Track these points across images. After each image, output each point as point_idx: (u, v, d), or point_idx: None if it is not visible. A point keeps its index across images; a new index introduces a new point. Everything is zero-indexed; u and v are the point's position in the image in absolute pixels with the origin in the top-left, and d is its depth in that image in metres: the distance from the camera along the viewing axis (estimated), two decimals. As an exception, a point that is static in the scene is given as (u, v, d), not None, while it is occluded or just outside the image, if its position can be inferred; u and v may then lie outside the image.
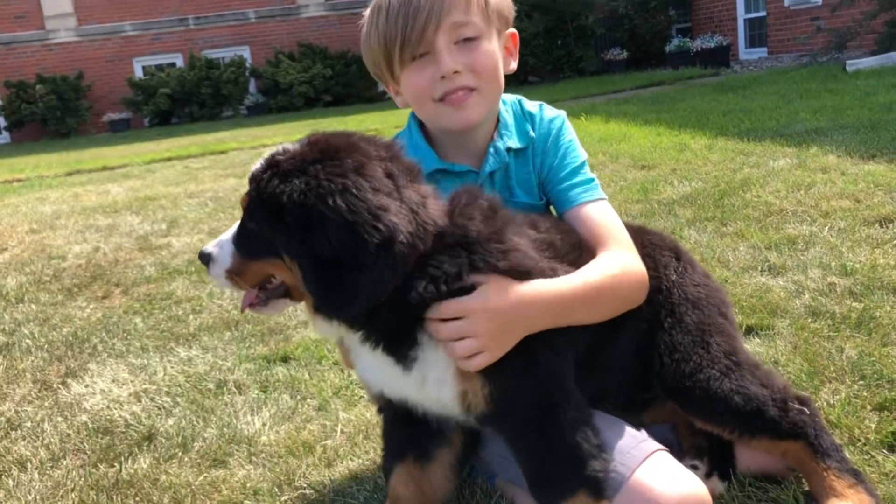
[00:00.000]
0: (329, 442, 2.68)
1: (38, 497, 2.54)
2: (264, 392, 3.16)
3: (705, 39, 17.77)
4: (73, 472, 2.66)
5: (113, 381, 3.46)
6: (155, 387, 3.33)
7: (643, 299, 2.06)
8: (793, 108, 8.69)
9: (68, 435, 2.97)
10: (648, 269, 2.16)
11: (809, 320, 3.14)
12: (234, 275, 1.80)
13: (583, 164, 2.26)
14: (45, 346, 3.98)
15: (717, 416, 2.03)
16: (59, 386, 3.48)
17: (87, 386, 3.43)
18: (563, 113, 2.34)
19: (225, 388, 3.23)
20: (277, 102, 23.25)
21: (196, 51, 23.61)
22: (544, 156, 2.27)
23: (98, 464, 2.72)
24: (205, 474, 2.57)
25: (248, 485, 2.46)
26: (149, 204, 8.08)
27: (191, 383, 3.32)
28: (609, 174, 6.60)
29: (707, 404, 2.03)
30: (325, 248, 1.59)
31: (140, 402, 3.21)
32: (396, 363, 1.81)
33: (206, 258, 1.84)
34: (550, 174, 2.26)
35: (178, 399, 3.18)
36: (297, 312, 3.97)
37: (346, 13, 24.67)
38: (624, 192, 5.84)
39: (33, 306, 4.71)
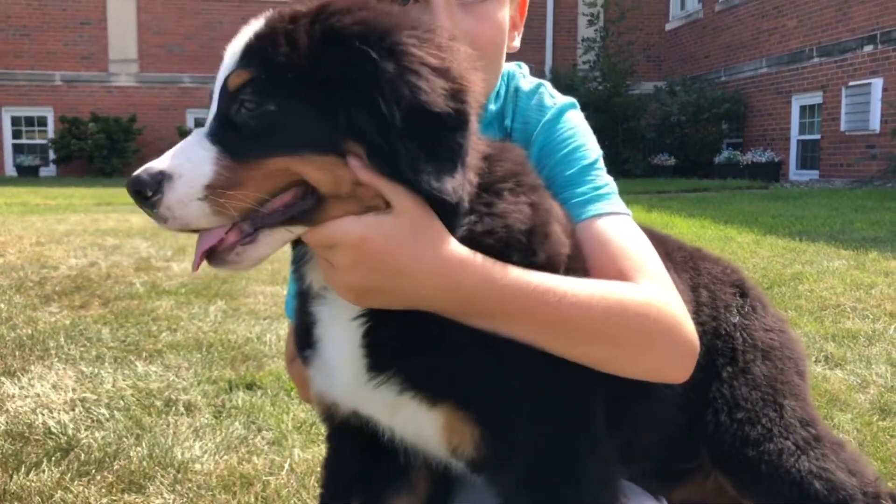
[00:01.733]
0: (272, 480, 2.17)
1: None
2: (216, 418, 2.67)
3: (756, 154, 17.43)
4: (-42, 474, 2.19)
5: (53, 386, 3.00)
6: (95, 397, 2.86)
7: (679, 368, 1.40)
8: (847, 219, 8.18)
9: (-26, 434, 2.50)
10: (703, 304, 1.64)
11: (877, 417, 2.59)
12: (223, 190, 1.11)
13: (589, 167, 1.54)
14: (-5, 344, 3.55)
15: (784, 502, 1.51)
16: (-9, 384, 3.03)
17: (21, 387, 2.97)
18: (569, 100, 1.68)
19: (173, 408, 2.75)
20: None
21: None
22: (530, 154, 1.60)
23: (-9, 469, 2.24)
24: (113, 497, 2.08)
25: (158, 515, 1.96)
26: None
27: (136, 398, 2.84)
28: (647, 256, 6.11)
29: (774, 484, 1.51)
30: (432, 98, 1.11)
31: (73, 410, 2.74)
32: (370, 360, 1.25)
33: (148, 179, 1.11)
34: (546, 178, 1.55)
35: (116, 413, 2.70)
36: (282, 333, 3.50)
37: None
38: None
39: (2, 305, 4.30)
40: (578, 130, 1.60)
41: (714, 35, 20.87)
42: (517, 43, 1.65)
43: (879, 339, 3.52)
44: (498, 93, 1.65)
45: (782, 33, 17.92)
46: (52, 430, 2.55)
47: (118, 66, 23.12)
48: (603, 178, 1.54)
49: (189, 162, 1.12)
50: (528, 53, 22.85)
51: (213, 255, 1.16)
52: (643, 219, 7.49)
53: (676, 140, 20.91)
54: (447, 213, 1.19)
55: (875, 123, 14.90)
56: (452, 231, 1.21)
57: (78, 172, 21.77)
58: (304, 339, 1.37)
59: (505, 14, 1.56)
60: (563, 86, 20.78)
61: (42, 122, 22.30)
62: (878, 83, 14.86)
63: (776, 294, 4.48)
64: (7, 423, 2.60)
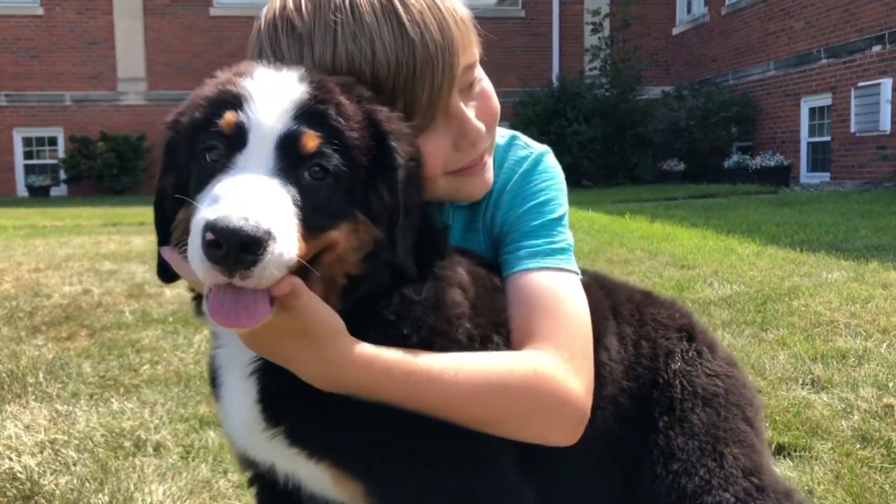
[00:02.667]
0: (230, 527, 2.13)
1: None
2: (184, 458, 2.63)
3: (765, 157, 17.25)
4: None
5: (26, 426, 2.97)
6: (65, 438, 2.83)
7: (566, 434, 1.44)
8: (852, 226, 8.07)
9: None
10: (643, 356, 1.64)
11: (858, 446, 2.53)
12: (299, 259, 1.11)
13: (554, 222, 1.61)
14: (-24, 381, 3.53)
15: None
16: (-35, 425, 3.01)
17: (-7, 428, 2.95)
18: (543, 148, 1.74)
19: (142, 449, 2.72)
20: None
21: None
22: (497, 209, 1.66)
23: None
24: (66, 550, 2.04)
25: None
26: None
27: (106, 440, 2.81)
28: (644, 270, 6.04)
29: None
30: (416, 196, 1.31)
31: (41, 453, 2.72)
32: (263, 412, 1.31)
33: (262, 236, 1.01)
34: (503, 231, 1.64)
35: (84, 455, 2.67)
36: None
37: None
38: (656, 288, 5.26)
39: (-12, 339, 4.30)
40: (552, 183, 1.68)
41: (721, 38, 20.72)
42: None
43: (869, 358, 3.44)
44: None
45: (790, 35, 17.76)
46: (17, 475, 2.52)
47: (127, 84, 23.29)
48: (562, 235, 1.62)
49: (286, 225, 1.07)
50: (535, 61, 22.81)
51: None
52: (645, 229, 7.43)
53: (685, 145, 20.76)
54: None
55: (886, 124, 14.73)
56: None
57: (88, 192, 21.92)
58: (212, 379, 1.44)
59: (486, 80, 1.60)
60: (570, 93, 20.81)
61: (53, 142, 22.51)
62: (887, 83, 14.69)
63: (769, 311, 4.40)
64: (-28, 468, 2.57)
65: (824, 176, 16.94)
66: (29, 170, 22.22)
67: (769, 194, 14.44)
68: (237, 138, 1.14)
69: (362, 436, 1.30)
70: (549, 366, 1.41)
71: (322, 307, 1.22)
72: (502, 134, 1.73)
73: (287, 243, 1.05)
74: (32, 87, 22.13)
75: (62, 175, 22.05)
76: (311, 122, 1.15)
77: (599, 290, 1.72)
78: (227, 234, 0.98)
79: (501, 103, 1.63)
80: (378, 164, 1.23)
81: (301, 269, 1.15)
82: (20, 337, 4.35)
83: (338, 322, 1.25)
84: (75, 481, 2.46)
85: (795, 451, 2.52)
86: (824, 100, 16.65)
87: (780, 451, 2.53)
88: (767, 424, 2.73)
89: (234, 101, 1.17)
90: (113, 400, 3.24)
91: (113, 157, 21.56)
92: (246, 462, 1.48)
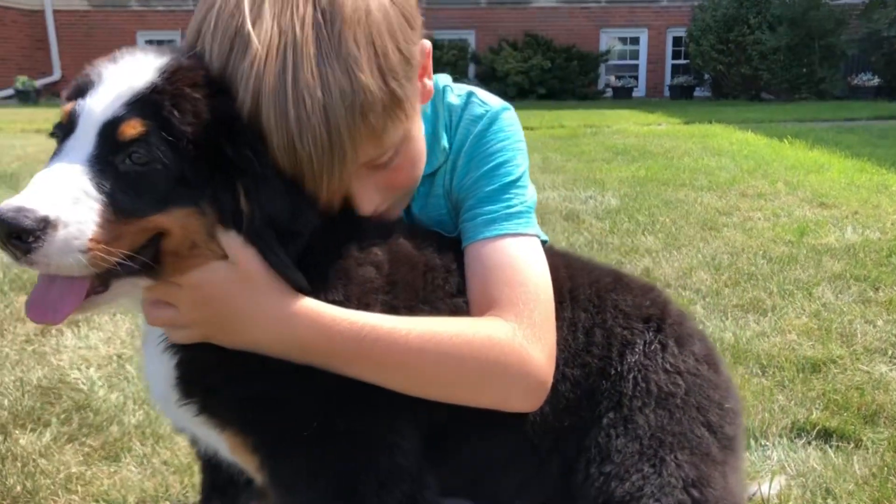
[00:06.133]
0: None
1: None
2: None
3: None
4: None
5: (107, 339, 3.25)
6: (131, 353, 3.06)
7: (524, 401, 1.43)
8: None
9: None
10: (594, 343, 1.54)
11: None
12: (102, 244, 1.12)
13: (510, 185, 1.55)
14: None
15: None
16: None
17: (78, 338, 3.24)
18: (501, 104, 1.63)
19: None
20: (491, 89, 22.93)
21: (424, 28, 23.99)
22: (454, 172, 1.59)
23: None
24: (87, 466, 2.23)
25: None
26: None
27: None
28: (776, 206, 5.57)
29: None
30: (277, 206, 1.24)
31: (108, 366, 2.96)
32: (176, 384, 1.36)
33: (31, 224, 1.06)
34: (460, 196, 1.58)
35: (139, 373, 2.89)
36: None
37: (577, 6, 23.95)
38: (775, 230, 4.85)
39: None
40: (508, 143, 1.58)
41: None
42: (430, 84, 1.52)
43: None
44: (425, 113, 1.58)
45: None
46: (79, 385, 2.77)
47: None
48: (520, 198, 1.55)
49: (76, 210, 1.11)
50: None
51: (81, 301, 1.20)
52: (797, 158, 6.84)
53: (883, 58, 18.66)
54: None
55: None
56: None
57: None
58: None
59: (415, 143, 1.48)
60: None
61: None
62: None
63: (890, 267, 3.94)
64: (45, 377, 2.85)
65: None
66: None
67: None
68: (70, 125, 1.17)
69: (260, 409, 1.32)
70: (505, 332, 1.39)
71: (262, 265, 1.25)
72: (459, 91, 1.64)
73: (77, 229, 1.09)
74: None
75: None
76: (140, 110, 1.15)
77: (563, 271, 1.61)
78: (8, 223, 1.05)
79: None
80: (232, 164, 1.20)
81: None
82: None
83: (281, 280, 1.27)
84: (122, 399, 2.67)
85: (841, 438, 2.28)
86: None
87: (824, 434, 2.30)
88: (820, 404, 2.48)
89: (84, 87, 1.19)
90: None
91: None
92: (179, 429, 1.55)
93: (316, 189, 1.30)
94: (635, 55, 23.97)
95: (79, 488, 2.13)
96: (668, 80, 23.32)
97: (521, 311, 1.42)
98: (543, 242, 1.59)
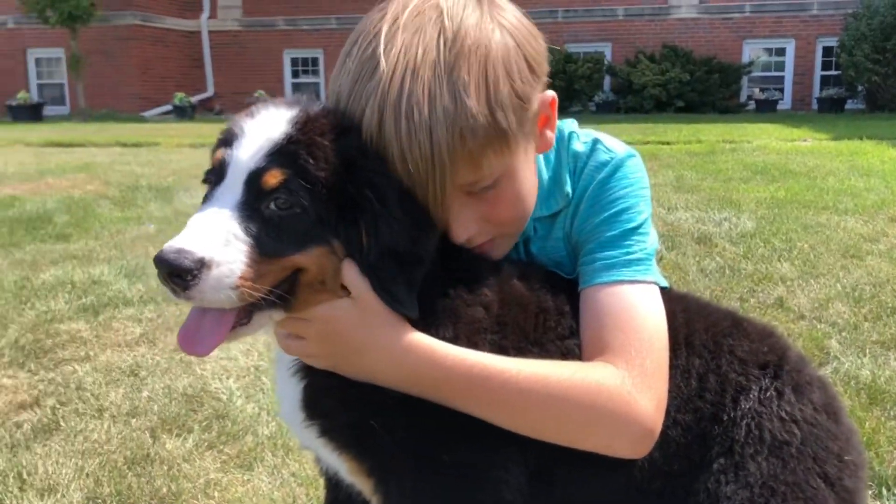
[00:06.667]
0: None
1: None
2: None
3: None
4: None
5: (246, 350, 3.47)
6: (268, 365, 3.26)
7: (629, 449, 1.44)
8: None
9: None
10: (707, 389, 1.54)
11: None
12: (249, 281, 1.25)
13: (631, 231, 1.57)
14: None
15: None
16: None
17: (221, 349, 3.48)
18: (626, 151, 1.65)
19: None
20: (627, 102, 22.67)
21: (560, 44, 23.94)
22: (575, 217, 1.63)
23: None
24: (223, 473, 2.41)
25: None
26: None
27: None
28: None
29: None
30: (397, 238, 1.34)
31: (245, 378, 3.17)
32: (303, 406, 1.47)
33: (190, 265, 1.19)
34: (580, 241, 1.62)
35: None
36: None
37: (719, 17, 23.21)
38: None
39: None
40: (631, 190, 1.62)
41: None
42: (551, 135, 1.60)
43: None
44: (549, 158, 1.66)
45: None
46: (220, 395, 2.98)
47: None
48: (640, 244, 1.57)
49: (227, 253, 1.24)
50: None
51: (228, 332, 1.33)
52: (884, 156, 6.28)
53: None
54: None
55: None
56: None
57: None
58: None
59: (519, 183, 1.54)
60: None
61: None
62: None
63: None
64: (190, 385, 3.09)
65: None
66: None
67: None
68: (220, 172, 1.32)
69: (374, 436, 1.40)
70: (614, 379, 1.41)
71: (378, 302, 1.36)
72: (585, 138, 1.68)
73: (228, 268, 1.22)
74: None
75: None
76: (279, 160, 1.29)
77: (680, 316, 1.61)
78: (158, 264, 1.20)
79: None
80: (354, 203, 1.32)
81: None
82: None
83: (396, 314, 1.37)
84: (257, 409, 2.85)
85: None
86: None
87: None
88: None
89: (230, 138, 1.35)
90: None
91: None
92: (306, 447, 1.66)
93: (427, 204, 1.40)
94: (780, 66, 22.97)
95: (216, 494, 2.30)
96: (816, 92, 22.19)
97: (632, 359, 1.43)
98: (664, 289, 1.60)
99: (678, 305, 1.64)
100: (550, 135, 1.58)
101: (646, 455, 1.47)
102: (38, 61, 24.13)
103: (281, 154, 1.29)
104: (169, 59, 23.95)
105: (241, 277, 1.24)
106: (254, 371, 3.23)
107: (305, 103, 1.40)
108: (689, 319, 1.62)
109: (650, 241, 1.59)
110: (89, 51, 21.86)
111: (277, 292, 1.30)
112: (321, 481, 2.31)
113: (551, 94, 1.54)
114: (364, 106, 1.37)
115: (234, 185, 1.29)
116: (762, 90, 21.97)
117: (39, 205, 7.21)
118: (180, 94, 22.10)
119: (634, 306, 1.49)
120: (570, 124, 1.71)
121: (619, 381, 1.41)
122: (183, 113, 21.77)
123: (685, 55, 22.76)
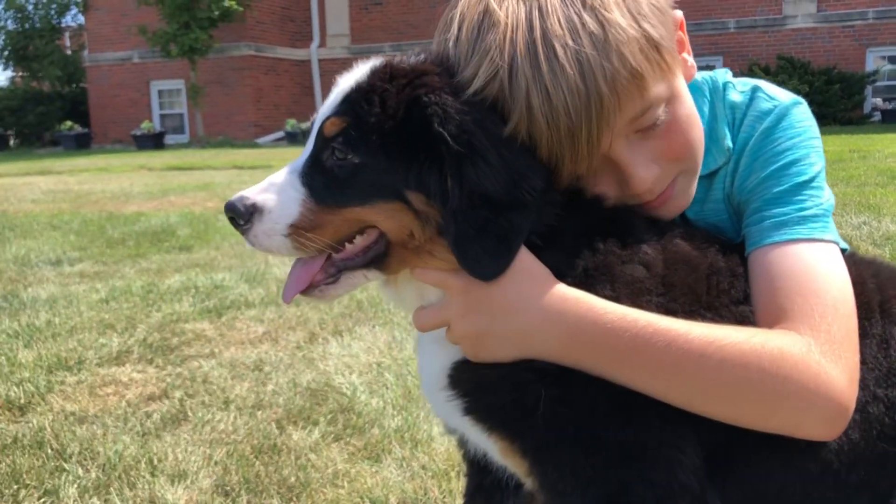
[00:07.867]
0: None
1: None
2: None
3: None
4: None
5: (367, 348, 3.41)
6: (390, 362, 3.19)
7: (820, 428, 1.23)
8: None
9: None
10: None
11: None
12: (304, 230, 1.23)
13: (803, 185, 1.37)
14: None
15: None
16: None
17: (342, 347, 3.43)
18: (792, 98, 1.45)
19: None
20: (740, 117, 21.97)
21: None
22: (737, 172, 1.44)
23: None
24: (352, 464, 2.32)
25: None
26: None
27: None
28: None
29: None
30: (489, 179, 1.19)
31: (368, 374, 3.09)
32: (447, 378, 1.34)
33: (242, 210, 1.24)
34: (743, 200, 1.43)
35: (399, 381, 2.98)
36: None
37: (839, 25, 22.17)
38: None
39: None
40: (800, 140, 1.42)
41: None
42: (691, 60, 1.44)
43: None
44: (702, 111, 1.48)
45: None
46: (343, 390, 2.91)
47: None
48: (815, 199, 1.37)
49: (279, 199, 1.26)
50: None
51: (306, 288, 1.31)
52: None
53: None
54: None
55: None
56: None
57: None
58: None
59: (686, 102, 1.37)
60: None
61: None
62: None
63: None
64: (314, 380, 3.04)
65: None
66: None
67: None
68: (309, 135, 1.33)
69: (531, 415, 1.26)
70: (800, 347, 1.21)
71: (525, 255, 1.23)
72: (743, 87, 1.50)
73: (277, 215, 1.24)
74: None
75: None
76: (340, 108, 1.26)
77: (871, 282, 1.41)
78: (225, 209, 1.27)
79: None
80: (433, 148, 1.20)
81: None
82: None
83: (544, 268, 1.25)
84: (381, 403, 2.76)
85: None
86: None
87: None
88: None
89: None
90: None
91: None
92: (449, 430, 1.53)
93: (575, 153, 1.23)
94: (908, 75, 21.69)
95: (345, 484, 2.21)
96: (948, 100, 20.81)
97: (817, 325, 1.23)
98: (846, 252, 1.40)
99: (867, 270, 1.44)
100: (690, 60, 1.41)
101: (840, 436, 1.27)
102: (160, 93, 25.42)
103: (344, 103, 1.27)
104: (281, 87, 24.78)
105: (291, 225, 1.23)
106: (376, 367, 3.15)
107: (410, 54, 1.33)
108: (882, 285, 1.42)
109: (825, 196, 1.39)
110: (207, 81, 22.89)
111: (373, 252, 1.27)
112: (452, 475, 2.20)
113: (679, 13, 1.37)
114: (486, 61, 1.22)
115: (312, 139, 1.29)
116: (887, 100, 20.76)
117: (163, 219, 7.48)
118: (292, 121, 22.77)
119: (814, 267, 1.29)
120: (724, 74, 1.54)
121: (806, 348, 1.20)
122: (294, 139, 22.42)
123: (802, 66, 21.81)
